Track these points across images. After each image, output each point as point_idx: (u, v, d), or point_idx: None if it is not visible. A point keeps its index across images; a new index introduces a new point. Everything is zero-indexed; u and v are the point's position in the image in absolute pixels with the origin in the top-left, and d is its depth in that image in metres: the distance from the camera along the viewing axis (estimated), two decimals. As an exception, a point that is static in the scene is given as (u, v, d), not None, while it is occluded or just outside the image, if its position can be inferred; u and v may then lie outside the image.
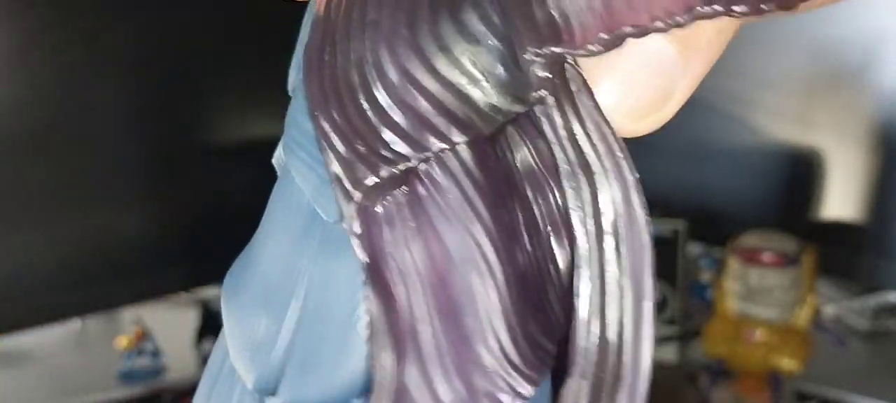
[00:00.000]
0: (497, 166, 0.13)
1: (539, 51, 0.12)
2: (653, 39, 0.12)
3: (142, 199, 0.70)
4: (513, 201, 0.13)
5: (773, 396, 0.67)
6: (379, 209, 0.13)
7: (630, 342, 0.12)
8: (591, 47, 0.12)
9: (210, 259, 0.74)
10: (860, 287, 0.82)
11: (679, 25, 0.12)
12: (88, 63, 0.64)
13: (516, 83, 0.13)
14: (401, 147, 0.13)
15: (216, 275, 0.76)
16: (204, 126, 0.72)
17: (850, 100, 0.71)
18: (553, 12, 0.12)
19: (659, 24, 0.11)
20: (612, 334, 0.13)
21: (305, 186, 0.15)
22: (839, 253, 0.72)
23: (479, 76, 0.13)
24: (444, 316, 0.13)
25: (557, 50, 0.12)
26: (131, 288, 0.71)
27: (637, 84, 0.13)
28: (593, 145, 0.13)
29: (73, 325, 0.79)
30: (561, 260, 0.13)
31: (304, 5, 0.17)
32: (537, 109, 0.13)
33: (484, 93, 0.13)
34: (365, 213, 0.13)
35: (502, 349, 0.13)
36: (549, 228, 0.13)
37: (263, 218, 0.17)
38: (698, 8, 0.11)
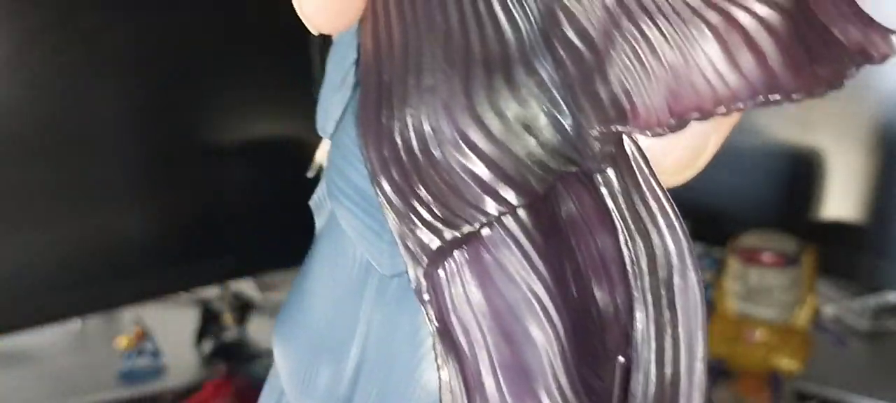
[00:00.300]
0: (549, 222, 0.14)
1: (605, 130, 0.13)
2: None
3: (142, 199, 0.70)
4: (562, 251, 0.14)
5: (773, 396, 0.67)
6: (441, 272, 0.14)
7: (683, 393, 0.13)
8: (658, 131, 0.12)
9: (210, 259, 0.74)
10: (860, 287, 0.82)
11: (740, 110, 0.12)
12: (88, 63, 0.64)
13: (571, 147, 0.13)
14: (463, 212, 0.13)
15: (216, 275, 0.76)
16: (204, 126, 0.72)
17: (850, 100, 0.71)
18: (618, 93, 0.12)
19: (722, 109, 0.12)
20: (665, 385, 0.13)
21: (358, 240, 0.15)
22: (839, 253, 0.72)
23: (534, 142, 0.13)
24: (508, 367, 0.13)
25: (623, 129, 0.13)
26: (131, 288, 0.71)
27: (677, 146, 0.13)
28: (649, 209, 0.13)
29: (73, 325, 0.79)
30: (603, 304, 0.14)
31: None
32: (588, 166, 0.13)
33: (540, 158, 0.13)
34: (431, 278, 0.14)
35: (562, 392, 0.13)
36: (590, 274, 0.14)
37: (310, 262, 0.17)
38: (761, 97, 0.12)
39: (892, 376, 0.73)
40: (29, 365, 0.74)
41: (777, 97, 0.12)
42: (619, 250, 0.14)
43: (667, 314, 0.13)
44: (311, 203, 0.18)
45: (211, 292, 0.79)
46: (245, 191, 0.75)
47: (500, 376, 0.13)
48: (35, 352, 0.76)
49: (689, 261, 0.13)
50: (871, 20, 0.13)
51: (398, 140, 0.14)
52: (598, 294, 0.14)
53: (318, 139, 0.18)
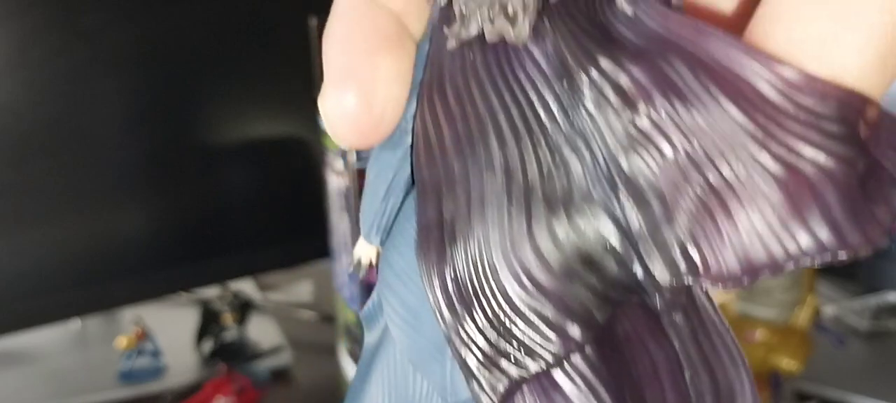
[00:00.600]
0: (610, 347, 0.14)
1: (677, 282, 0.13)
2: None
3: (142, 199, 0.70)
4: (621, 374, 0.14)
5: (773, 396, 0.67)
6: None
7: None
8: (729, 286, 0.13)
9: (210, 259, 0.74)
10: (860, 287, 0.82)
11: (805, 265, 0.12)
12: (88, 63, 0.64)
13: (634, 282, 0.13)
14: (532, 351, 0.13)
15: (216, 275, 0.76)
16: (204, 126, 0.72)
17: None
18: (689, 246, 0.12)
19: (790, 264, 0.12)
20: None
21: (417, 365, 0.16)
22: (839, 253, 0.72)
23: (595, 278, 0.13)
24: None
25: (695, 282, 0.13)
26: (131, 288, 0.71)
27: None
28: (714, 348, 0.14)
29: (73, 325, 0.79)
30: None
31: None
32: (653, 304, 0.14)
33: (603, 293, 0.13)
34: None
35: None
36: (642, 384, 0.14)
37: (364, 383, 0.17)
38: (829, 254, 0.12)
39: (892, 376, 0.73)
40: (29, 365, 0.74)
41: (843, 253, 0.12)
42: (683, 382, 0.14)
43: None
44: (362, 315, 0.18)
45: (211, 292, 0.79)
46: (245, 191, 0.75)
47: None
48: (35, 352, 0.76)
49: (749, 396, 0.14)
50: None
51: (464, 278, 0.14)
52: None
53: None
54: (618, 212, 0.13)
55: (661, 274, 0.13)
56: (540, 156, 0.14)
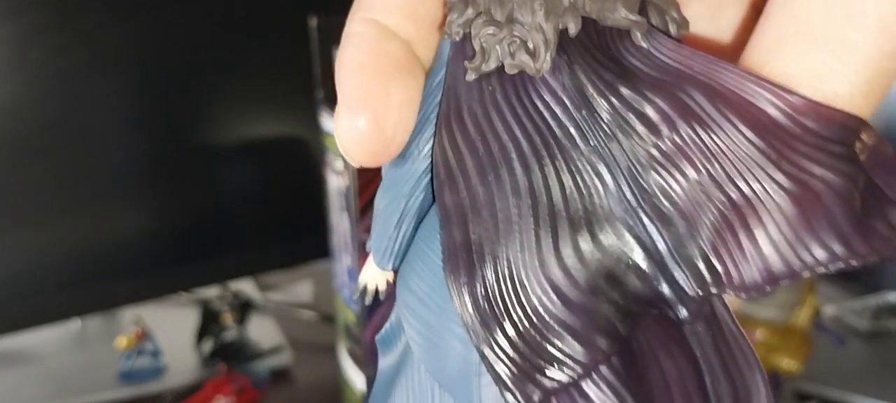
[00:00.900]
0: (637, 361, 0.14)
1: (703, 293, 0.14)
2: None
3: (142, 199, 0.70)
4: (643, 382, 0.14)
5: (774, 396, 0.67)
6: None
7: None
8: (753, 296, 0.14)
9: (210, 259, 0.74)
10: (860, 287, 0.82)
11: (819, 273, 0.13)
12: (88, 63, 0.64)
13: (656, 295, 0.14)
14: (562, 363, 0.14)
15: (216, 275, 0.76)
16: (204, 125, 0.72)
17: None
18: (713, 259, 0.14)
19: (807, 273, 0.13)
20: None
21: (443, 383, 0.16)
22: (839, 253, 0.72)
23: (618, 294, 0.14)
24: None
25: (719, 292, 0.14)
26: (131, 288, 0.71)
27: None
28: (733, 356, 0.14)
29: (73, 325, 0.79)
30: None
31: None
32: (674, 316, 0.15)
33: (626, 307, 0.14)
34: None
35: None
36: (667, 392, 0.15)
37: (383, 395, 0.18)
38: (841, 263, 0.13)
39: (892, 376, 0.73)
40: (29, 365, 0.74)
41: (853, 262, 0.13)
42: (704, 386, 0.14)
43: None
44: (379, 339, 0.18)
45: (211, 292, 0.79)
46: (245, 191, 0.75)
47: None
48: (35, 352, 0.76)
49: (764, 399, 0.15)
50: None
51: (495, 296, 0.14)
52: None
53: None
54: (640, 231, 0.14)
55: (689, 286, 0.14)
56: (563, 179, 0.14)
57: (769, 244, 0.13)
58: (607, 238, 0.14)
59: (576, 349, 0.14)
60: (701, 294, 0.14)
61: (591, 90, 0.14)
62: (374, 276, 0.22)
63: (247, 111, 0.73)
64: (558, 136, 0.14)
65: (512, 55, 0.15)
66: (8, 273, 0.65)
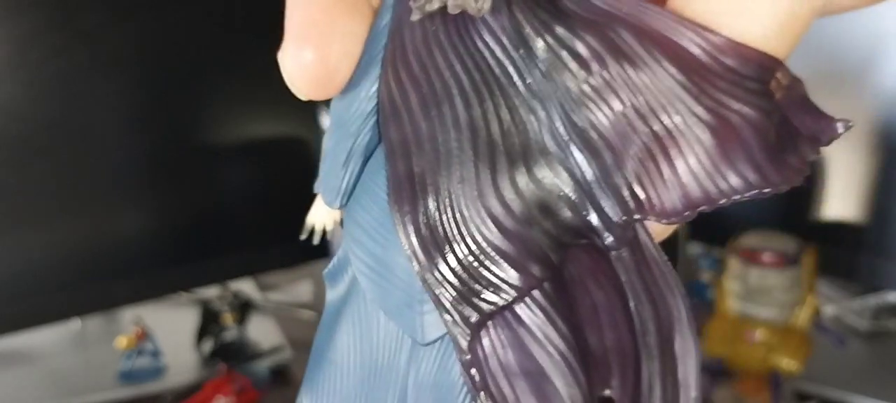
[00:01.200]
0: (564, 284, 0.15)
1: (627, 219, 0.15)
2: None
3: (142, 199, 0.70)
4: (574, 308, 0.16)
5: (773, 396, 0.67)
6: (484, 341, 0.15)
7: None
8: (673, 221, 0.15)
9: (210, 259, 0.74)
10: (860, 287, 0.82)
11: (735, 201, 0.14)
12: (88, 63, 0.64)
13: (585, 226, 0.15)
14: (498, 287, 0.15)
15: (216, 275, 0.76)
16: (204, 126, 0.72)
17: (850, 100, 0.71)
18: (637, 188, 0.15)
19: (723, 200, 0.14)
20: None
21: (390, 312, 0.17)
22: (839, 253, 0.72)
23: (551, 223, 0.15)
24: None
25: (642, 218, 0.15)
26: (131, 288, 0.71)
27: None
28: (654, 279, 0.15)
29: (73, 325, 0.79)
30: (609, 350, 0.16)
31: None
32: (601, 244, 0.16)
33: (558, 236, 0.15)
34: (475, 349, 0.15)
35: None
36: (594, 326, 0.16)
37: (331, 334, 0.19)
38: (755, 191, 0.14)
39: (892, 376, 0.73)
40: (29, 365, 0.74)
41: (767, 190, 0.14)
42: (628, 311, 0.15)
43: (669, 364, 0.15)
44: (326, 274, 0.19)
45: (211, 292, 0.79)
46: (245, 190, 0.75)
47: None
48: (35, 352, 0.76)
49: (686, 320, 0.15)
50: (820, 111, 0.15)
51: (436, 225, 0.15)
52: (606, 341, 0.16)
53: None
54: (571, 164, 0.15)
55: (615, 213, 0.15)
56: (501, 115, 0.15)
57: (688, 173, 0.14)
58: (541, 171, 0.15)
59: (511, 274, 0.15)
60: (625, 220, 0.15)
61: (528, 30, 0.15)
62: (322, 216, 0.23)
63: (247, 111, 0.73)
64: (497, 74, 0.15)
65: None
66: (8, 273, 0.65)
